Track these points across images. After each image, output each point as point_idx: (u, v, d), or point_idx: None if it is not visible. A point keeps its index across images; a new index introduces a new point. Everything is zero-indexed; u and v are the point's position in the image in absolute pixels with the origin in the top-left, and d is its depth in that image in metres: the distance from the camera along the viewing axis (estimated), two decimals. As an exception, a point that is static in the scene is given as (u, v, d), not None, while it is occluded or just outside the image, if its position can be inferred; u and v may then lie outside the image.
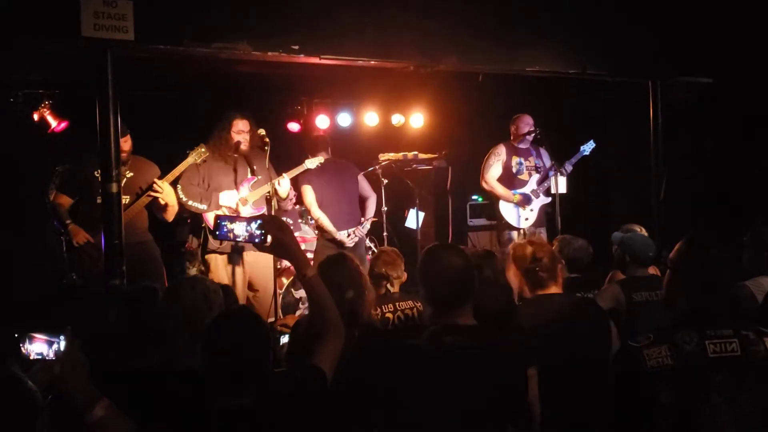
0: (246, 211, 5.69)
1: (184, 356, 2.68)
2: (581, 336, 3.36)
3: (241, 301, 5.57)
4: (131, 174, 5.53)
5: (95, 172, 5.29)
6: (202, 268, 6.03)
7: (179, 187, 5.64)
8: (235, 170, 5.76)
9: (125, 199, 5.33)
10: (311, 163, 6.08)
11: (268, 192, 5.65)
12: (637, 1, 6.41)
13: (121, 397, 2.19)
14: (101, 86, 4.62)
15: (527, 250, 3.49)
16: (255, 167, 5.76)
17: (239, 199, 5.72)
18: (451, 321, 2.58)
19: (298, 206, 6.92)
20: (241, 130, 5.73)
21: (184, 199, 5.63)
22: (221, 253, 5.70)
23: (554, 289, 3.49)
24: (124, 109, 4.78)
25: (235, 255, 5.70)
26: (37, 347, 2.09)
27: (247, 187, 5.76)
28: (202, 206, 5.64)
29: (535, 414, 3.04)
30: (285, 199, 5.87)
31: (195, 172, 5.69)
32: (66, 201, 5.56)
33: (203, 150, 5.64)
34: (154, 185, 5.49)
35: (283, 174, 5.87)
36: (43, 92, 6.98)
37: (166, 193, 5.51)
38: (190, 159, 5.59)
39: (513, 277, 3.56)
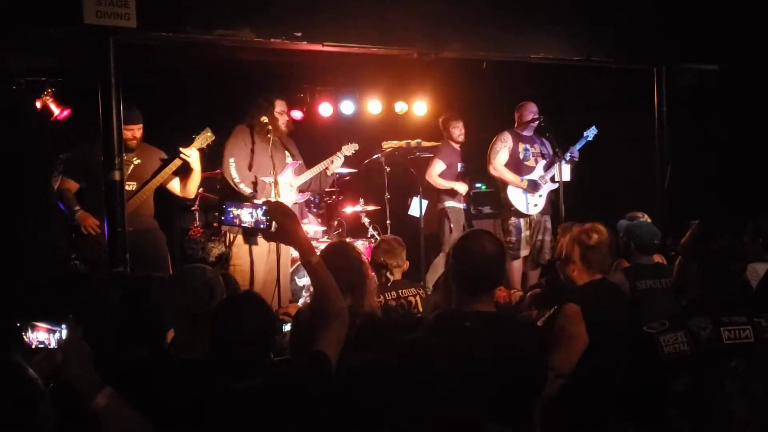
0: (291, 197, 5.63)
1: (185, 344, 2.69)
2: (620, 318, 3.39)
3: (260, 285, 5.52)
4: (139, 161, 5.45)
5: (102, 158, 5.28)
6: (223, 249, 6.03)
7: (232, 166, 5.51)
8: (272, 155, 5.58)
9: (132, 186, 5.31)
10: (348, 149, 6.02)
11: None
12: (641, -12, 6.38)
13: (123, 386, 2.19)
14: (103, 73, 4.62)
15: (604, 238, 3.51)
16: (293, 152, 5.74)
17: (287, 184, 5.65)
18: (467, 307, 2.58)
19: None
20: (282, 111, 5.68)
21: (237, 180, 5.49)
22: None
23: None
24: (125, 96, 4.77)
25: (253, 239, 5.58)
26: (40, 336, 2.08)
27: (291, 171, 5.67)
28: (249, 191, 5.51)
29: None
30: (329, 177, 5.98)
31: (245, 155, 5.56)
32: (72, 186, 5.50)
33: (209, 134, 5.56)
34: (181, 151, 5.36)
35: (338, 154, 5.89)
36: (46, 80, 6.96)
37: (194, 158, 5.39)
38: (197, 143, 5.51)
39: (578, 259, 3.53)
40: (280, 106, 5.67)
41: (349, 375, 2.46)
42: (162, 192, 5.77)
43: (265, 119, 5.54)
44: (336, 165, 5.96)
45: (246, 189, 5.51)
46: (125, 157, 5.19)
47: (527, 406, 2.61)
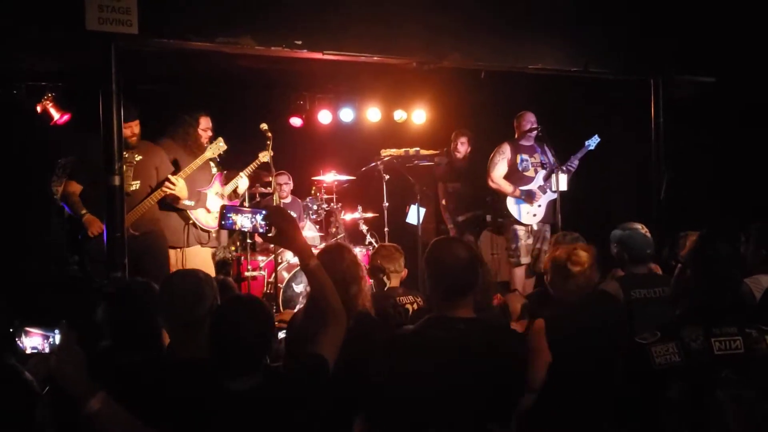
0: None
1: (179, 347, 2.72)
2: (600, 328, 3.36)
3: None
4: (140, 157, 5.43)
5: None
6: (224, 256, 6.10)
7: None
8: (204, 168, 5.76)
9: (136, 185, 5.32)
10: (263, 156, 6.12)
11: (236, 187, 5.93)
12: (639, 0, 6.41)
13: (118, 389, 2.20)
14: (105, 79, 4.64)
15: (584, 268, 3.41)
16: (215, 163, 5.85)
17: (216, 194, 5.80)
18: (447, 313, 2.61)
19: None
20: (207, 127, 5.74)
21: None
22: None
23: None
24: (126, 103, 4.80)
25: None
26: (33, 341, 2.10)
27: (219, 182, 5.81)
28: (191, 203, 5.59)
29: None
30: (240, 196, 6.12)
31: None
32: (76, 188, 5.40)
33: (222, 144, 5.58)
34: (167, 182, 5.37)
35: (241, 174, 6.02)
36: (46, 84, 6.99)
37: (179, 188, 5.41)
38: (208, 153, 5.53)
39: (557, 279, 3.48)
40: (204, 122, 5.74)
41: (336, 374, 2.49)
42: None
43: (189, 136, 5.66)
44: (245, 182, 6.12)
45: (188, 202, 5.57)
46: (126, 155, 5.20)
47: (505, 408, 2.64)
